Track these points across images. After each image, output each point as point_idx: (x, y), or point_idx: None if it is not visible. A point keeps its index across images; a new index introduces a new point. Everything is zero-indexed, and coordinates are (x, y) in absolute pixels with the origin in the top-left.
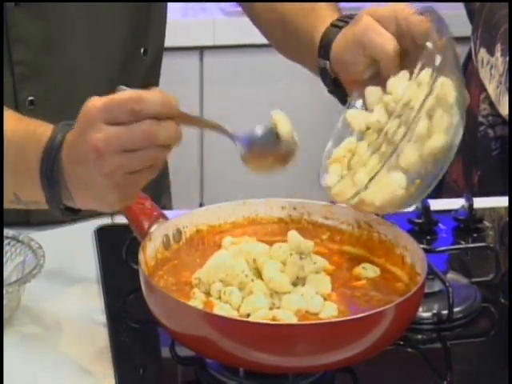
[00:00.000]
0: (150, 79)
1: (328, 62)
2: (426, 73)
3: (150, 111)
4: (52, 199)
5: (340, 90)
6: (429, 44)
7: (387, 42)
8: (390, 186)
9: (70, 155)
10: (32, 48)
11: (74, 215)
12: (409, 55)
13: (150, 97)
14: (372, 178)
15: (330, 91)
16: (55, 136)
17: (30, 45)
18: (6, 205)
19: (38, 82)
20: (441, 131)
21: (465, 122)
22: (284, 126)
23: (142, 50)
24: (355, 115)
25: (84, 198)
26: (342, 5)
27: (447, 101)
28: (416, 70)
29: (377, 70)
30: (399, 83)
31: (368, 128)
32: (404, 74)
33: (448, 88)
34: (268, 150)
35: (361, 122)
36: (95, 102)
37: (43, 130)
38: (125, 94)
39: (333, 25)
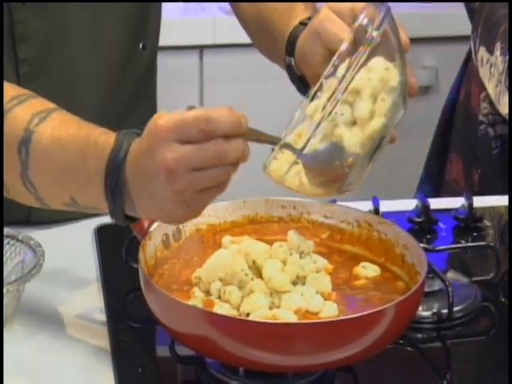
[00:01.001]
0: (148, 75)
1: (293, 59)
2: (362, 57)
3: (221, 130)
4: (115, 210)
5: (307, 88)
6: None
7: (341, 31)
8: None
9: (137, 169)
10: (36, 46)
11: (135, 222)
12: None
13: (220, 116)
14: (304, 147)
15: (298, 89)
16: (119, 148)
17: (34, 43)
18: (57, 206)
19: (41, 80)
20: (381, 114)
21: (406, 105)
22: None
23: (140, 46)
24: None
25: (150, 210)
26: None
27: (391, 84)
28: (358, 57)
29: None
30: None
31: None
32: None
33: (392, 72)
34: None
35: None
36: (165, 121)
37: (104, 138)
38: (194, 113)
39: (301, 23)
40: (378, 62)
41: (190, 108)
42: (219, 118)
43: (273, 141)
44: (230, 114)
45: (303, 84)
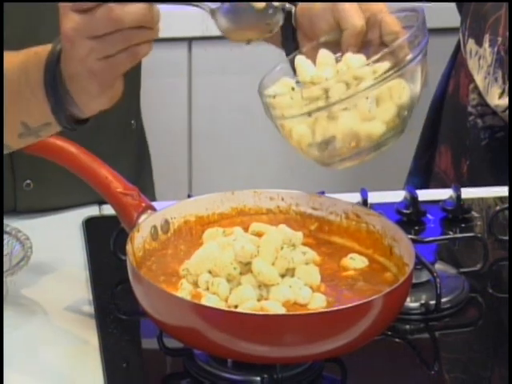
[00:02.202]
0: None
1: (294, 8)
2: (386, 65)
3: None
4: (57, 108)
5: (291, 44)
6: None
7: (358, 17)
8: (303, 137)
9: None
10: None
11: (81, 125)
12: (368, 47)
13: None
14: (293, 117)
15: (282, 42)
16: (55, 47)
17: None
18: (14, 142)
19: None
20: (383, 121)
21: (405, 128)
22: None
23: None
24: (305, 63)
25: (78, 94)
26: None
27: (398, 99)
28: (375, 57)
29: (336, 39)
30: (357, 59)
31: (311, 82)
32: (362, 56)
33: (403, 91)
34: (250, 20)
35: (309, 72)
36: None
37: (43, 48)
38: None
39: None
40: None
41: None
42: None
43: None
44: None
45: (288, 39)
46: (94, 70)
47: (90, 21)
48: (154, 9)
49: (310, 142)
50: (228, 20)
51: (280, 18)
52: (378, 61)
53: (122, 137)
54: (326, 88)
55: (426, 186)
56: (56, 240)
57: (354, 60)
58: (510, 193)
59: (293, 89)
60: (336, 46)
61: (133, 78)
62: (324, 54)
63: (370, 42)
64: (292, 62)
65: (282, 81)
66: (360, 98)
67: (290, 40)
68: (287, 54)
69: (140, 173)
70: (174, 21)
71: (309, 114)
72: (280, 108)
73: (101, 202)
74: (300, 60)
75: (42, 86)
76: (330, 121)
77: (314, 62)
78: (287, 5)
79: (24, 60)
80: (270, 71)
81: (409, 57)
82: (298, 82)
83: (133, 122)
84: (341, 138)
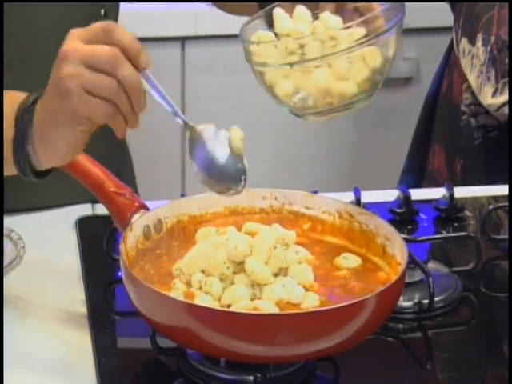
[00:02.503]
0: None
1: None
2: (362, 31)
3: (121, 43)
4: (20, 155)
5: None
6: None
7: None
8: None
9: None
10: None
11: (39, 178)
12: (343, 11)
13: (124, 33)
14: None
15: None
16: (30, 96)
17: None
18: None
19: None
20: (356, 82)
21: (374, 92)
22: (237, 143)
23: (102, 12)
24: (283, 15)
25: (43, 139)
26: None
27: (372, 63)
28: (353, 22)
29: None
30: (335, 20)
31: (288, 35)
32: (339, 19)
33: (377, 57)
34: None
35: (286, 25)
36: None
37: (20, 94)
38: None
39: None
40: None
41: None
42: (122, 35)
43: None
44: (136, 44)
45: None
46: (71, 93)
47: (92, 50)
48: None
49: (286, 93)
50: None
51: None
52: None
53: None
54: (304, 43)
55: (419, 184)
56: (49, 239)
57: (331, 20)
58: (510, 192)
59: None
60: (311, 5)
61: None
62: (301, 10)
63: (344, 6)
64: (267, 16)
65: (258, 33)
66: (337, 58)
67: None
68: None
69: (120, 171)
70: (166, 20)
71: (291, 64)
72: (262, 56)
73: (94, 201)
74: (278, 12)
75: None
76: (305, 75)
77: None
78: None
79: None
80: (247, 22)
81: (384, 27)
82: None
83: None
84: (314, 92)
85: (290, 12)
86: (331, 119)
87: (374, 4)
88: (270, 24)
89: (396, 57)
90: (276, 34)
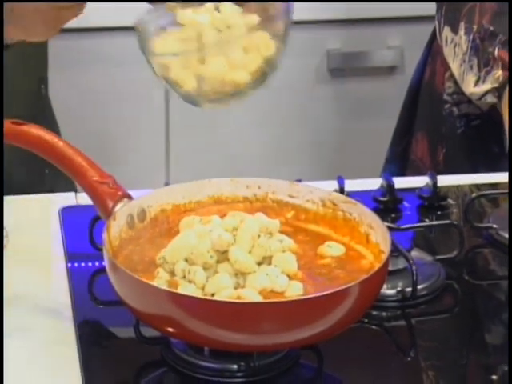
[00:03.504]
0: None
1: None
2: (256, 19)
3: None
4: None
5: None
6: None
7: None
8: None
9: None
10: None
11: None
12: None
13: None
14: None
15: None
16: None
17: None
18: None
19: None
20: (249, 71)
21: (265, 80)
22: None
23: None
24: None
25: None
26: None
27: (265, 52)
28: (248, 13)
29: None
30: (231, 9)
31: (189, 23)
32: (238, 8)
33: (269, 46)
34: None
35: (186, 14)
36: None
37: None
38: None
39: None
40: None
41: None
42: None
43: None
44: None
45: None
46: None
47: None
48: None
49: (192, 86)
50: None
51: None
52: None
53: (30, 102)
54: (200, 32)
55: (402, 173)
56: (32, 229)
57: (228, 9)
58: (510, 186)
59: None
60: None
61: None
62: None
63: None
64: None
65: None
66: (229, 46)
67: None
68: None
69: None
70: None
71: (184, 53)
72: (155, 45)
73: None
74: (179, 4)
75: None
76: (202, 64)
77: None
78: None
79: None
80: (147, 12)
81: (278, 16)
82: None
83: (42, 86)
84: (209, 81)
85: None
86: (225, 107)
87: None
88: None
89: (379, 46)
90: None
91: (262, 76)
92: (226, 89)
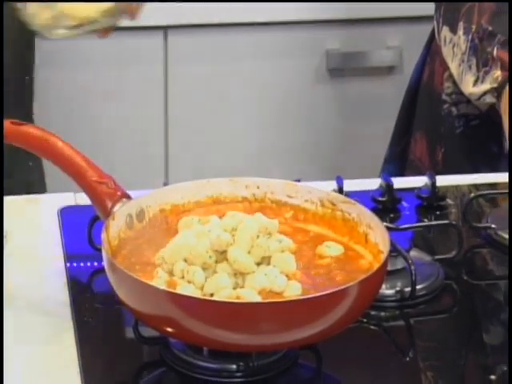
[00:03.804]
0: None
1: None
2: None
3: None
4: None
5: None
6: None
7: None
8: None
9: None
10: None
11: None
12: None
13: None
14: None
15: None
16: None
17: None
18: None
19: None
20: (99, 9)
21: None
22: None
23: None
24: None
25: None
26: None
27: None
28: None
29: None
30: None
31: None
32: None
33: None
34: None
35: None
36: None
37: None
38: None
39: None
40: None
41: None
42: None
43: None
44: None
45: None
46: None
47: None
48: None
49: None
50: None
51: None
52: None
53: (15, 91)
54: None
55: (401, 173)
56: (31, 229)
57: None
58: (510, 186)
59: None
60: None
61: (28, 33)
62: None
63: None
64: None
65: None
66: None
67: None
68: None
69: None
70: (149, 9)
71: None
72: None
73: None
74: None
75: None
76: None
77: None
78: None
79: None
80: None
81: None
82: None
83: (27, 77)
84: (64, 13)
85: None
86: (76, 36)
87: None
88: None
89: (378, 46)
90: None
91: (113, 16)
92: (80, 22)
